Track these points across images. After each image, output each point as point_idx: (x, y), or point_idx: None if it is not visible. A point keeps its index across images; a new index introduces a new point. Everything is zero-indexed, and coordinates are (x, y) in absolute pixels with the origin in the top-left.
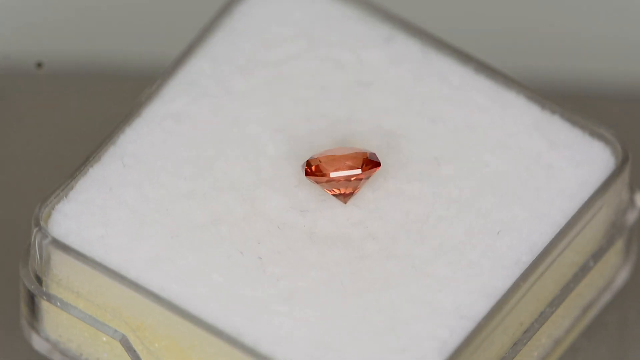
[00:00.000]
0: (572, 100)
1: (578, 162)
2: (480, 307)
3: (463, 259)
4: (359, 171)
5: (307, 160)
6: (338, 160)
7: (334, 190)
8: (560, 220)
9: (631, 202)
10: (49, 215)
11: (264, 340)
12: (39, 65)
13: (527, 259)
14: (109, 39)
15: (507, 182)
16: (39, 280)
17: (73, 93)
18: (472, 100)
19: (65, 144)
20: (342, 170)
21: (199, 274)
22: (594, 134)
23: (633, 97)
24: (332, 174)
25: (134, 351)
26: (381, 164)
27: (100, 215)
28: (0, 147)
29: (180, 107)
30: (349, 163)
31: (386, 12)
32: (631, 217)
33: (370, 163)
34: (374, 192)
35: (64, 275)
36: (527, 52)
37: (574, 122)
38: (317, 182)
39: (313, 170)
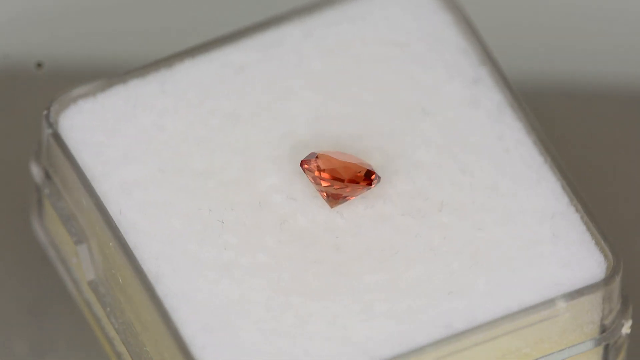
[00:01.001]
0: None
1: (568, 261)
2: (385, 351)
3: (400, 303)
4: (347, 186)
5: (311, 153)
6: (338, 165)
7: (323, 193)
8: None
9: (620, 321)
10: (64, 108)
11: (172, 296)
12: (39, 65)
13: (460, 326)
14: (109, 39)
15: (491, 251)
16: (46, 174)
17: None
18: (509, 165)
19: None
20: (334, 180)
21: (161, 211)
22: (593, 239)
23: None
24: (324, 180)
25: (87, 260)
26: (380, 179)
27: (110, 124)
28: (0, 147)
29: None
30: (346, 174)
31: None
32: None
33: (365, 180)
34: (366, 209)
35: (58, 171)
36: (526, 51)
37: (581, 221)
38: (311, 179)
39: (311, 166)
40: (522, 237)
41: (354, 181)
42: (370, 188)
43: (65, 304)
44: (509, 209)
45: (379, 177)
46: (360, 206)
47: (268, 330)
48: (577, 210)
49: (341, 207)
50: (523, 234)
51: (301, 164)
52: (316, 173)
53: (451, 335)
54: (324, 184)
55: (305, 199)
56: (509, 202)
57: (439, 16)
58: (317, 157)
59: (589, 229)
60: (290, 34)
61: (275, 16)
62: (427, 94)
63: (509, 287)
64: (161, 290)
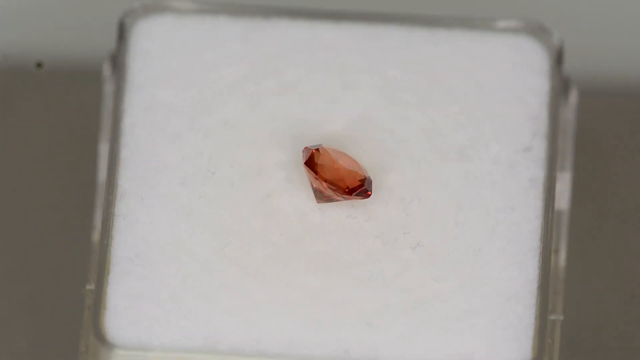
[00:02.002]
0: None
1: (493, 343)
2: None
3: (309, 312)
4: (339, 194)
5: (311, 149)
6: (333, 169)
7: (313, 186)
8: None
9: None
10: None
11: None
12: (39, 65)
13: (354, 355)
14: (109, 39)
15: (432, 303)
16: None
17: (73, 93)
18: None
19: (65, 144)
20: (325, 182)
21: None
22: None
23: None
24: (315, 180)
25: None
26: (371, 194)
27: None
28: (0, 147)
29: None
30: (339, 181)
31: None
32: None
33: (356, 190)
34: (347, 217)
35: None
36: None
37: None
38: (306, 170)
39: (310, 161)
40: (466, 307)
41: (347, 191)
42: (362, 199)
43: (66, 304)
44: (477, 277)
45: (369, 193)
46: (344, 213)
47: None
48: (534, 301)
49: (326, 206)
50: (470, 304)
51: (303, 150)
52: (313, 171)
53: (341, 357)
54: (317, 183)
55: (295, 183)
56: (481, 272)
57: (537, 77)
58: (319, 154)
59: (535, 322)
60: (391, 34)
61: (395, 14)
62: (469, 137)
63: (421, 344)
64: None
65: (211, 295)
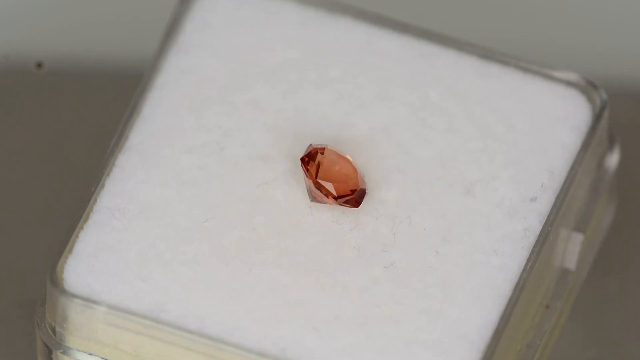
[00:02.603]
0: None
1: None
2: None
3: (262, 305)
4: (331, 200)
5: (315, 147)
6: (329, 172)
7: (307, 186)
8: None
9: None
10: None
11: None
12: (39, 65)
13: (290, 355)
14: (109, 39)
15: (386, 322)
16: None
17: (73, 93)
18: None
19: (65, 144)
20: (325, 189)
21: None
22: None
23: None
24: (306, 178)
25: None
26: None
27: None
28: (0, 147)
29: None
30: (329, 185)
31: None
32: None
33: (344, 198)
34: (333, 222)
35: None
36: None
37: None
38: (304, 170)
39: (309, 163)
40: (416, 336)
41: (334, 197)
42: (352, 208)
43: None
44: (436, 310)
45: (358, 204)
46: (333, 217)
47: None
48: (482, 346)
49: (319, 207)
50: (420, 334)
51: (308, 147)
52: (306, 169)
53: (277, 357)
54: (308, 182)
55: (289, 176)
56: (442, 306)
57: (571, 133)
58: (321, 154)
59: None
60: (442, 56)
61: (446, 37)
62: (481, 175)
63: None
64: None
65: (175, 265)
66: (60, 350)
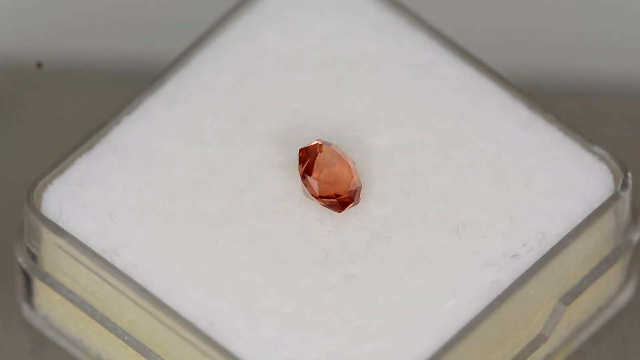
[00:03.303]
0: (563, 100)
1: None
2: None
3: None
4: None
5: (319, 142)
6: (321, 170)
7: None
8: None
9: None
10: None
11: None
12: (39, 65)
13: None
14: (109, 38)
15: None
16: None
17: (73, 93)
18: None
19: (65, 144)
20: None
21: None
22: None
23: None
24: (309, 181)
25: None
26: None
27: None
28: (0, 147)
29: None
30: (316, 185)
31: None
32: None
33: (326, 200)
34: (327, 215)
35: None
36: (519, 49)
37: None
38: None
39: (304, 162)
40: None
41: (316, 195)
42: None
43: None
44: (373, 332)
45: (340, 211)
46: (318, 216)
47: None
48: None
49: (309, 202)
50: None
51: (304, 147)
52: (301, 162)
53: (203, 330)
54: (306, 183)
55: (286, 171)
56: (380, 330)
57: (580, 205)
58: (322, 150)
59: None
60: (491, 94)
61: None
62: (476, 221)
63: (267, 350)
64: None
65: (149, 215)
66: (37, 276)
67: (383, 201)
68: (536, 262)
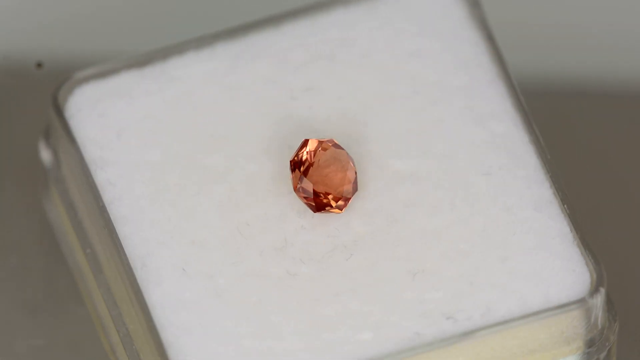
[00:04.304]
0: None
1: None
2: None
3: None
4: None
5: (321, 139)
6: (314, 167)
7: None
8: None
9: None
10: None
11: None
12: (39, 65)
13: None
14: (108, 38)
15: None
16: (55, 156)
17: None
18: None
19: None
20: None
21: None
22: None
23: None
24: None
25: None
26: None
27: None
28: (0, 147)
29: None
30: (294, 177)
31: None
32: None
33: (305, 198)
34: (310, 215)
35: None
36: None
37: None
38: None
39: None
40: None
41: (296, 187)
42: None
43: (69, 304)
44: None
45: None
46: (302, 209)
47: None
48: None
49: (298, 197)
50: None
51: (308, 139)
52: (296, 154)
53: (148, 290)
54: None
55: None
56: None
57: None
58: (320, 149)
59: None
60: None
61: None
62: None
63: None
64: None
65: (145, 157)
66: (51, 175)
67: (367, 220)
68: (464, 332)
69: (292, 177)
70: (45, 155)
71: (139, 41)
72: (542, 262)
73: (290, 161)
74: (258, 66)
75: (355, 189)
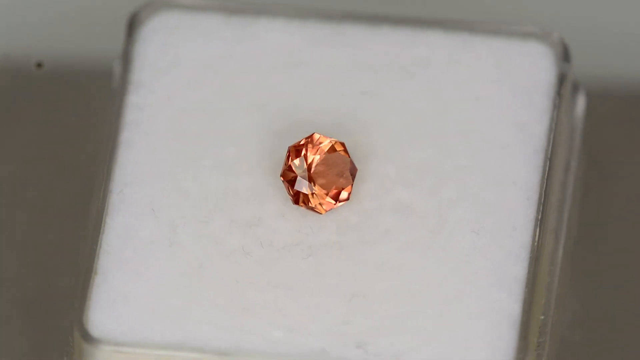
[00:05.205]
0: None
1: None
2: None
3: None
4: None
5: (321, 135)
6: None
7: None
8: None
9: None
10: (87, 320)
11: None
12: (39, 65)
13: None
14: (109, 39)
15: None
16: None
17: (73, 93)
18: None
19: (65, 144)
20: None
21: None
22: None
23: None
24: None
25: None
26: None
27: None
28: (0, 147)
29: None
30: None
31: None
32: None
33: (292, 193)
34: (293, 208)
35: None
36: None
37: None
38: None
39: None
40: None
41: (284, 177)
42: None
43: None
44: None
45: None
46: (283, 202)
47: None
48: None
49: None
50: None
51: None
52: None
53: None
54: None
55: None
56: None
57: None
58: (320, 145)
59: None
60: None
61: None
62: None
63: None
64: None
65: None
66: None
67: (342, 231)
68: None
69: (285, 161)
70: (115, 68)
71: None
72: (478, 333)
73: (289, 147)
74: (335, 55)
75: (345, 199)
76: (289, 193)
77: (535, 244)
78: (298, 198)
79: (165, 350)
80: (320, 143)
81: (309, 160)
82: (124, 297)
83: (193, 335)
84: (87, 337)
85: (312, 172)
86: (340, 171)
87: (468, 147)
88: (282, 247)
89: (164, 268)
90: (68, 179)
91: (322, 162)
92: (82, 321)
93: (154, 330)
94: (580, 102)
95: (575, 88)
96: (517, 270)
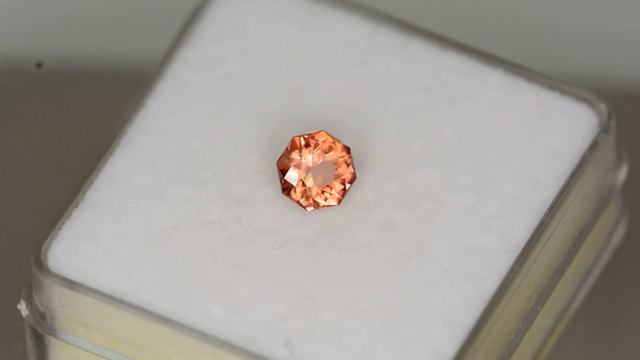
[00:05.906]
0: None
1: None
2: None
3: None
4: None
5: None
6: (309, 156)
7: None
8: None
9: (619, 160)
10: (48, 249)
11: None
12: (39, 65)
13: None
14: (108, 38)
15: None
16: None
17: (73, 93)
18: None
19: (65, 144)
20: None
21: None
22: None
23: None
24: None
25: None
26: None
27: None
28: (0, 147)
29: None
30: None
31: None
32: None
33: (284, 187)
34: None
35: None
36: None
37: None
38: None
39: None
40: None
41: (280, 171)
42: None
43: None
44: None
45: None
46: (276, 191)
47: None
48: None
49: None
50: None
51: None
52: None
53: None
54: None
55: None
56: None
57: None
58: (318, 139)
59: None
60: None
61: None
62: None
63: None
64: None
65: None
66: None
67: (322, 233)
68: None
69: (292, 143)
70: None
71: (139, 41)
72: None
73: (294, 137)
74: (391, 66)
75: (334, 204)
76: (280, 181)
77: (494, 296)
78: (286, 188)
79: (105, 300)
80: (324, 142)
81: (307, 156)
82: (92, 237)
83: (136, 294)
84: (39, 265)
85: (304, 167)
86: (336, 175)
87: (475, 188)
88: (258, 231)
89: (139, 220)
90: (67, 178)
91: (320, 160)
92: (40, 249)
93: (104, 277)
94: (622, 171)
95: (620, 158)
96: (467, 317)
